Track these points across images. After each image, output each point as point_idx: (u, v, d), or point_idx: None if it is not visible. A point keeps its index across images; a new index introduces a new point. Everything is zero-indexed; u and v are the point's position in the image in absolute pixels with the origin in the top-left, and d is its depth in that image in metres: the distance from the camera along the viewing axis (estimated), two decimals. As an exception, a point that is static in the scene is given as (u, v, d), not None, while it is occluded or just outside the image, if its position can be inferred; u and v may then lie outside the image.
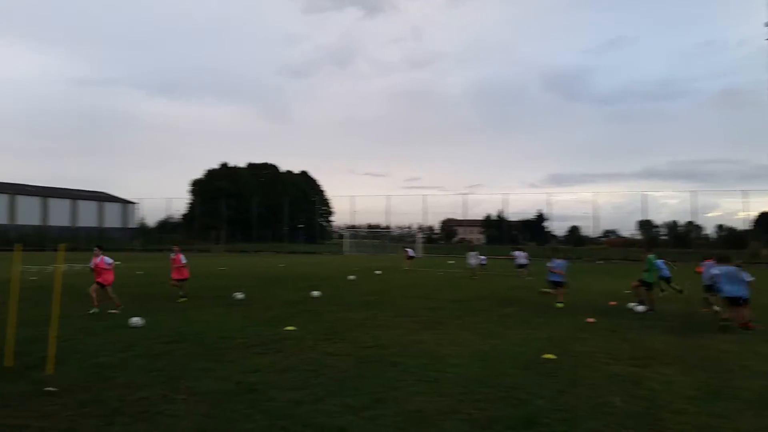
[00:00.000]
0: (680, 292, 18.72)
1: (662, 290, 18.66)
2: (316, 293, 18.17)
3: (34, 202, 78.82)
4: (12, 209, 75.45)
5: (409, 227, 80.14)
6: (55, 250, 10.92)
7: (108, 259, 14.37)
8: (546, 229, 77.00)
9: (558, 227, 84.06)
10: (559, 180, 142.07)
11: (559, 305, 15.87)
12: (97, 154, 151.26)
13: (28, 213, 76.52)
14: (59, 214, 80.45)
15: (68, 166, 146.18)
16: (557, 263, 16.85)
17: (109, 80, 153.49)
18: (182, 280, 16.95)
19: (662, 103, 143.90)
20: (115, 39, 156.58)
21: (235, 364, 8.51)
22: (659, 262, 18.46)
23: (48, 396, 6.70)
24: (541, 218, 78.31)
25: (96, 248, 14.41)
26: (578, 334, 11.70)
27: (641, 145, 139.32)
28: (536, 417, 6.23)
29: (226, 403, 6.53)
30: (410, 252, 35.57)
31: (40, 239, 60.34)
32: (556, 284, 16.71)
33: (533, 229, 78.60)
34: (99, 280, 14.08)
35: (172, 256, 17.12)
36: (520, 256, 28.70)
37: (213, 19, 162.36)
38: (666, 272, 18.85)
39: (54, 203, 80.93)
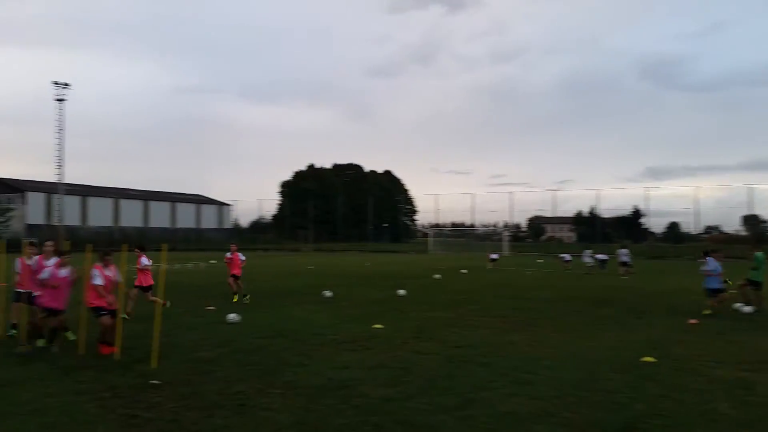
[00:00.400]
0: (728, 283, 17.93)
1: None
2: (402, 292, 18.25)
3: (137, 205, 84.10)
4: (116, 212, 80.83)
5: (494, 225, 79.07)
6: (156, 250, 11.51)
7: (145, 260, 13.62)
8: (643, 226, 73.58)
9: (656, 224, 79.82)
10: (656, 173, 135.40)
11: (707, 312, 13.78)
12: (194, 159, 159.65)
13: (131, 215, 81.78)
14: (160, 216, 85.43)
15: (168, 171, 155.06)
16: (713, 265, 14.04)
17: (206, 88, 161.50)
18: (238, 277, 16.33)
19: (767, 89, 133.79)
20: (211, 48, 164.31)
21: (327, 360, 8.69)
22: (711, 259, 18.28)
23: (153, 388, 7.08)
24: (637, 214, 74.78)
25: (136, 249, 13.56)
26: (680, 336, 11.08)
27: (745, 135, 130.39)
28: (636, 422, 5.96)
29: (319, 398, 6.67)
30: (494, 256, 35.41)
31: (141, 240, 64.20)
32: (715, 291, 13.99)
33: (629, 225, 75.12)
34: (138, 283, 13.42)
35: (229, 255, 16.53)
36: (623, 254, 27.99)
37: (299, 26, 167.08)
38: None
39: (155, 206, 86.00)
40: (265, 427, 5.74)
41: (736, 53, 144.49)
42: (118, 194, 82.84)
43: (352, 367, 8.28)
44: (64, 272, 9.28)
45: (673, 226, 76.75)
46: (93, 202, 78.38)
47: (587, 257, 30.40)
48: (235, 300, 15.82)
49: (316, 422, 5.87)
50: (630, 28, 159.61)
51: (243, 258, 16.68)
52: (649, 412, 6.30)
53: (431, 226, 76.64)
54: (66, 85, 59.37)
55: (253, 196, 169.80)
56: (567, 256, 32.84)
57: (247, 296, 16.07)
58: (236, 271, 16.37)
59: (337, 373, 7.90)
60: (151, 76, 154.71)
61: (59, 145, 59.21)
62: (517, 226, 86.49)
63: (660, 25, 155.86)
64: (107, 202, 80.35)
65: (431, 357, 9.01)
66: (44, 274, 9.15)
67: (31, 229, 62.07)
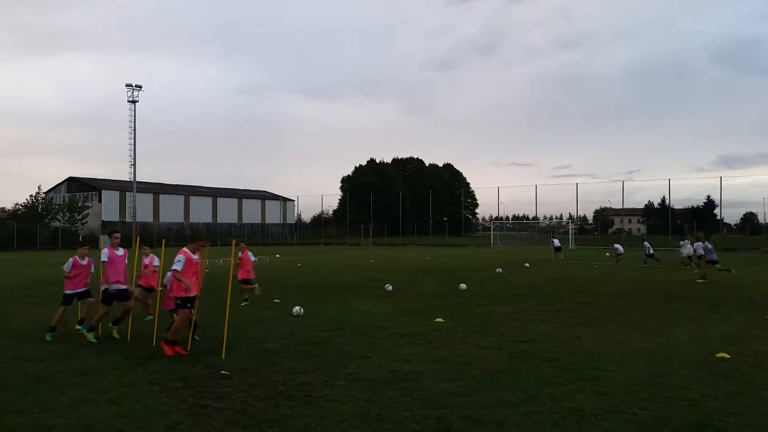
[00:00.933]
0: (729, 270, 19.35)
1: (720, 269, 20.30)
2: (463, 286, 18.13)
3: (206, 201, 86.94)
4: (186, 208, 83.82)
5: (559, 217, 77.27)
6: (225, 244, 11.77)
7: (156, 261, 12.14)
8: (717, 217, 70.40)
9: (730, 215, 76.34)
10: (729, 162, 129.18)
11: None
12: (258, 156, 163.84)
13: (201, 211, 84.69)
14: (227, 212, 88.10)
15: (235, 168, 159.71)
16: None
17: (268, 87, 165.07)
18: (249, 281, 14.61)
19: None
20: (272, 48, 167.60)
21: (389, 353, 8.76)
22: (707, 245, 20.77)
23: (222, 379, 7.33)
24: (710, 205, 71.66)
25: (146, 247, 12.25)
26: (757, 331, 10.55)
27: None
28: (709, 420, 5.72)
29: (382, 391, 6.73)
30: (556, 242, 34.67)
31: (210, 235, 66.40)
32: None
33: (701, 216, 72.01)
34: (141, 282, 11.90)
35: (239, 254, 14.56)
36: (699, 247, 26.82)
37: (359, 21, 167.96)
38: (712, 256, 20.40)
39: (222, 202, 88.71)
40: (330, 417, 5.84)
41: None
42: (187, 191, 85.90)
43: (414, 360, 8.31)
44: (196, 257, 9.17)
45: (749, 217, 73.15)
46: (164, 199, 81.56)
47: (686, 248, 29.04)
48: (243, 304, 14.04)
49: (380, 414, 5.93)
50: (701, 10, 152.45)
51: (253, 259, 15.07)
52: (723, 410, 6.03)
53: (493, 220, 75.69)
54: (138, 87, 61.87)
55: (315, 191, 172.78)
56: (620, 248, 31.76)
57: (247, 302, 14.23)
58: (246, 275, 14.57)
59: (400, 366, 7.94)
60: (216, 77, 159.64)
61: (132, 145, 61.79)
62: (584, 219, 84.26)
63: (733, 6, 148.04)
64: (178, 199, 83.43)
65: (494, 351, 8.92)
66: (177, 266, 8.82)
67: (106, 225, 65.09)
